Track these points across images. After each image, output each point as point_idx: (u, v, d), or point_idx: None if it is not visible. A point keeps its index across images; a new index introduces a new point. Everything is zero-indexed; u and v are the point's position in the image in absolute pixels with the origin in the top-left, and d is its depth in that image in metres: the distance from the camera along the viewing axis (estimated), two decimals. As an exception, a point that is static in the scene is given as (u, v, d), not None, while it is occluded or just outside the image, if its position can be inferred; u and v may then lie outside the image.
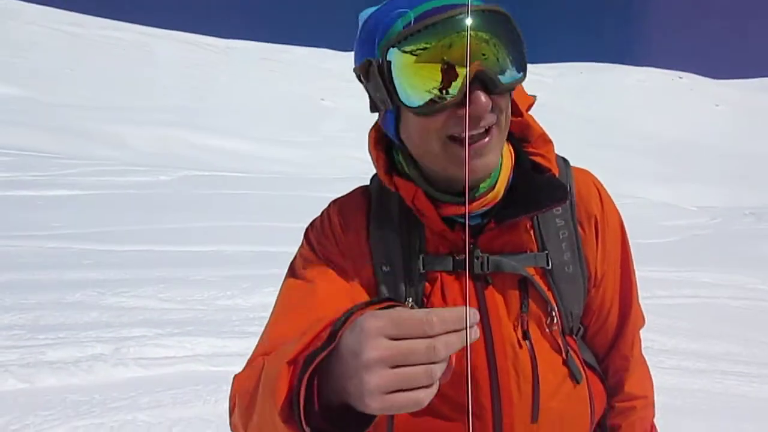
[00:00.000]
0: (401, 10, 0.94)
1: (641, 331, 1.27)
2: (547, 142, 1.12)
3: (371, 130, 1.12)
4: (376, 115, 1.09)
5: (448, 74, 0.91)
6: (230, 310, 5.06)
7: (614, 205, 1.20)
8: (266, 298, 5.40)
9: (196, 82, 54.09)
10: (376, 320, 0.67)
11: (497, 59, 0.92)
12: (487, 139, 0.95)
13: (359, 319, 0.69)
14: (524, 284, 1.07)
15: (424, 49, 0.91)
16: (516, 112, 1.10)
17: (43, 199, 11.25)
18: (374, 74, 0.96)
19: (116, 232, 8.65)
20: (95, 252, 7.28)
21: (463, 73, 0.90)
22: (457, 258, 1.06)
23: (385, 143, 1.12)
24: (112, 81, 46.66)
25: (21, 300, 4.96)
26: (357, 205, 1.15)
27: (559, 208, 1.10)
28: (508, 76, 0.94)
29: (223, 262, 7.07)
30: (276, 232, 9.29)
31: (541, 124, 1.15)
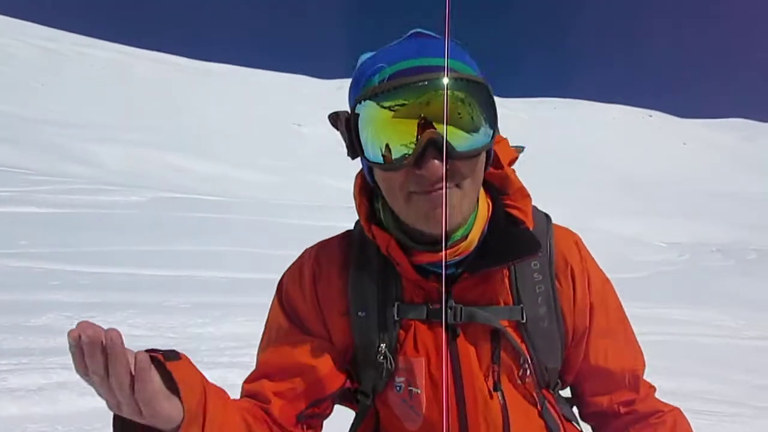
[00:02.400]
0: (380, 65, 0.98)
1: None
2: (525, 196, 1.15)
3: (357, 175, 1.15)
4: None
5: (408, 135, 0.95)
6: (200, 339, 4.95)
7: (596, 265, 1.21)
8: (238, 327, 5.31)
9: (173, 103, 53.79)
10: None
11: (471, 118, 0.95)
12: (447, 190, 0.97)
13: None
14: (497, 336, 1.08)
15: (402, 105, 0.94)
16: (497, 164, 1.13)
17: (10, 215, 10.98)
18: (341, 125, 1.02)
19: (85, 252, 8.46)
20: (63, 273, 7.10)
21: (421, 135, 0.93)
22: (432, 307, 1.08)
23: (368, 190, 1.14)
24: (87, 98, 46.16)
25: (-18, 322, 4.79)
26: (335, 252, 1.19)
27: (537, 263, 1.12)
28: (472, 141, 0.96)
29: (194, 288, 6.94)
30: (249, 258, 9.19)
31: (520, 178, 1.18)
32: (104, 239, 9.62)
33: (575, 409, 1.29)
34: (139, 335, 4.93)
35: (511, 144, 1.32)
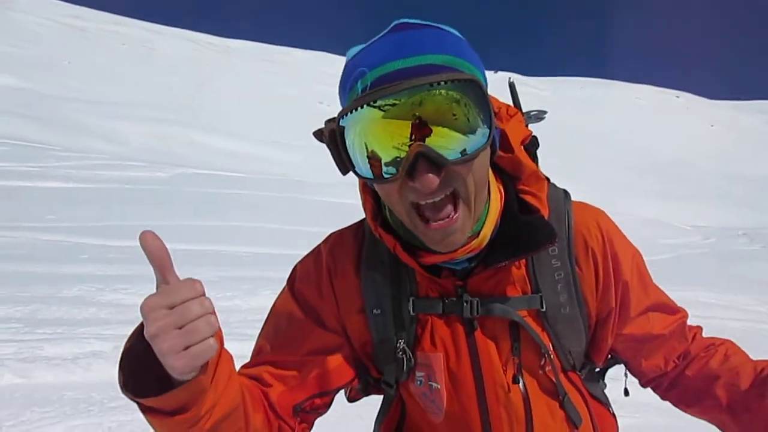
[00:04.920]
0: (362, 68, 0.91)
1: None
2: (540, 179, 1.10)
3: None
4: None
5: (397, 149, 0.89)
6: (229, 312, 5.01)
7: (623, 239, 1.16)
8: (266, 300, 5.32)
9: (196, 80, 54.02)
10: (151, 297, 0.77)
11: (468, 119, 0.89)
12: (455, 215, 0.93)
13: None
14: (515, 327, 1.06)
15: (392, 105, 0.87)
16: (507, 147, 1.07)
17: (37, 190, 11.17)
18: (326, 140, 0.95)
19: (112, 226, 8.59)
20: (91, 246, 7.22)
21: (407, 150, 0.88)
22: (447, 301, 1.06)
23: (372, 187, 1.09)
24: (112, 75, 46.52)
25: (17, 292, 4.90)
26: (349, 247, 1.16)
27: (555, 249, 1.08)
28: (468, 143, 0.90)
29: (220, 262, 7.03)
30: (272, 233, 9.27)
31: (532, 161, 1.11)
32: (129, 214, 9.75)
33: (632, 381, 1.27)
34: (168, 308, 5.00)
35: (531, 110, 1.26)
